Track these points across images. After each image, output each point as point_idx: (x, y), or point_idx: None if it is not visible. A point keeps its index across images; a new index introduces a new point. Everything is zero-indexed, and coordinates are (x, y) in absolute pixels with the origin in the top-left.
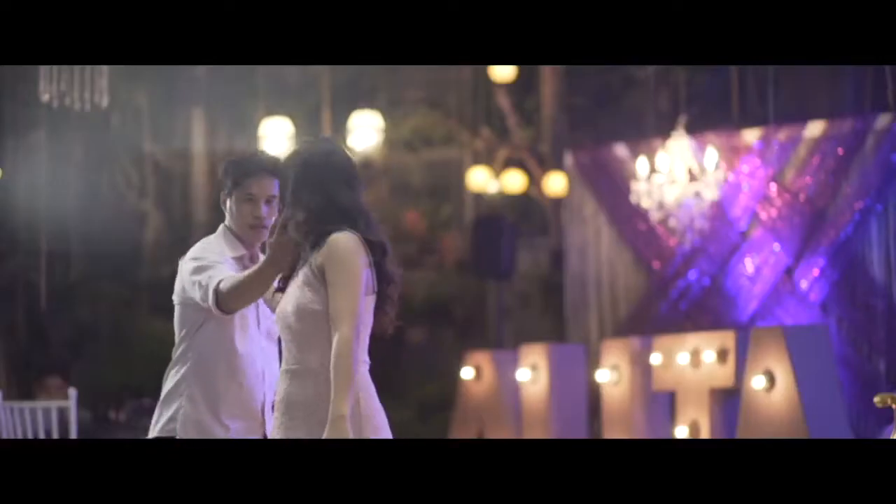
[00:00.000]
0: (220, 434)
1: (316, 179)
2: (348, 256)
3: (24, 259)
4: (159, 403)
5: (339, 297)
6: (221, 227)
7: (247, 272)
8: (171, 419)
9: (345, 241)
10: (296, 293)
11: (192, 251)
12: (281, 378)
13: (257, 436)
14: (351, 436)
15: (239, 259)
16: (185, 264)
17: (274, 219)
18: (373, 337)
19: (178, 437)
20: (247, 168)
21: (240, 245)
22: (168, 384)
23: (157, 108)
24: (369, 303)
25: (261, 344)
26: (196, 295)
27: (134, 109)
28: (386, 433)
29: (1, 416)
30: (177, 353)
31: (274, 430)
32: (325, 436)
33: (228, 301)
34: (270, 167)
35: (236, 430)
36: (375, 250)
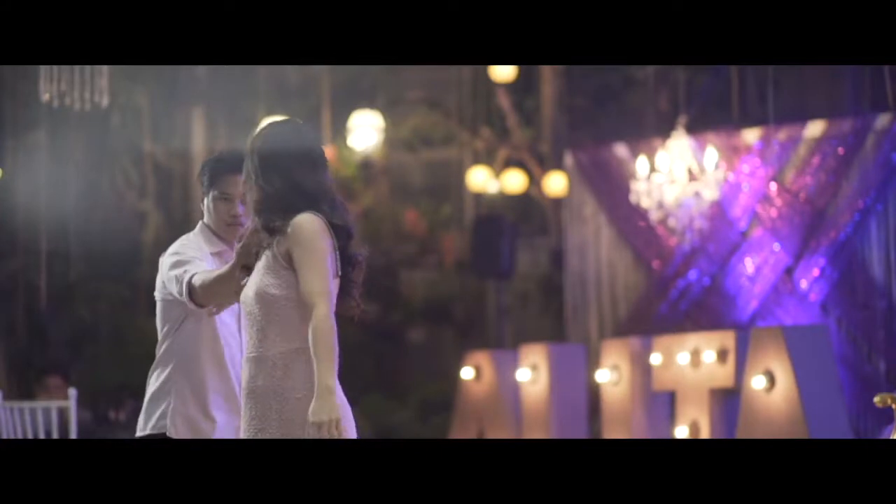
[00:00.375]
0: (207, 428)
1: (279, 162)
2: (313, 237)
3: (24, 259)
4: (147, 401)
5: (311, 277)
6: (200, 223)
7: (217, 271)
8: (162, 416)
9: (309, 222)
10: (256, 279)
11: (172, 247)
12: (245, 366)
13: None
14: (339, 407)
15: (218, 255)
16: (165, 259)
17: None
18: (340, 318)
19: (168, 434)
20: (223, 167)
21: (218, 241)
22: (155, 382)
23: (158, 108)
24: (334, 287)
25: (241, 336)
26: (174, 289)
27: (134, 109)
28: (350, 423)
29: (1, 416)
30: (160, 350)
31: (244, 421)
32: (312, 410)
33: (200, 296)
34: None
35: (221, 422)
36: (340, 234)
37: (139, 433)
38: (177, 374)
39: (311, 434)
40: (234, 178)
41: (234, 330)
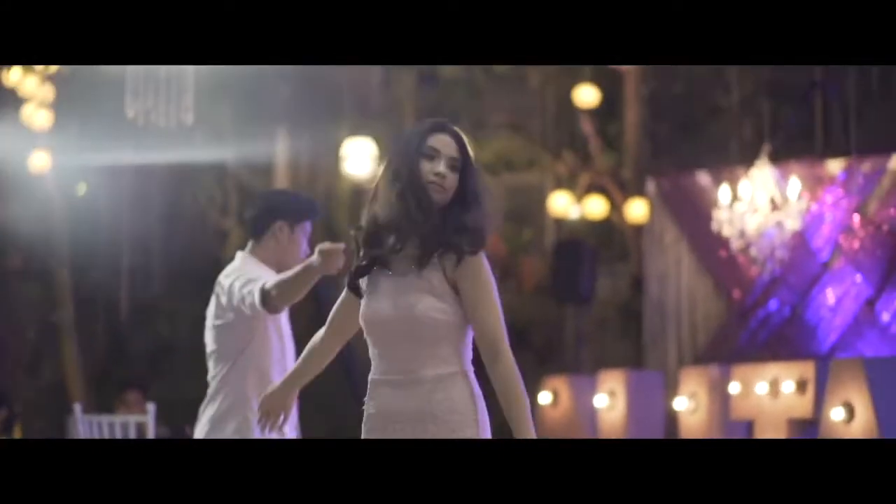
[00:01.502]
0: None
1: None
2: (489, 272)
3: (106, 274)
4: (213, 420)
5: (495, 315)
6: (244, 254)
7: (291, 271)
8: (236, 431)
9: (485, 259)
10: (420, 299)
11: (229, 271)
12: (383, 387)
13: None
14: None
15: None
16: (230, 280)
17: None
18: None
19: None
20: (309, 210)
21: (268, 270)
22: (222, 402)
23: (241, 126)
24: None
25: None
26: (245, 302)
27: (218, 127)
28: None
29: (80, 429)
30: (222, 372)
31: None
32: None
33: (275, 297)
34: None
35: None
36: None
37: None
38: (248, 389)
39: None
40: (309, 223)
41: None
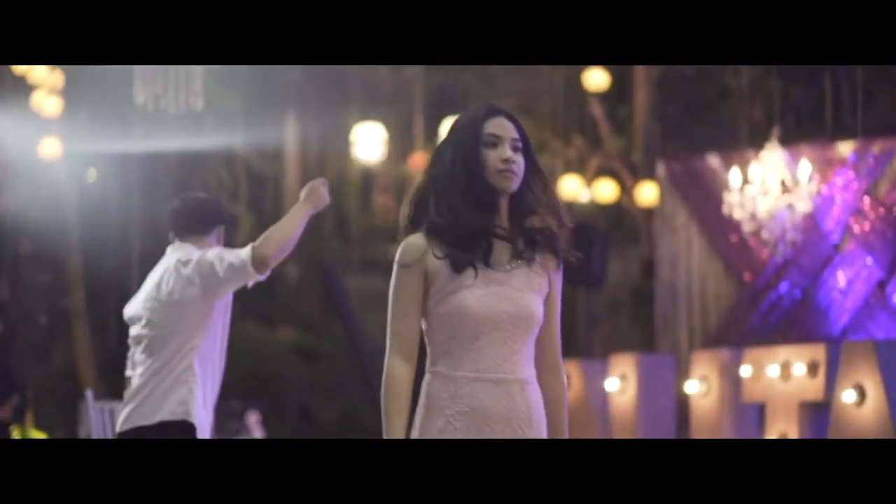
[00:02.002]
0: (207, 418)
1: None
2: None
3: (117, 260)
4: (159, 390)
5: (557, 324)
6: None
7: (280, 221)
8: (181, 402)
9: None
10: (533, 298)
11: (186, 255)
12: (513, 386)
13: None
14: None
15: None
16: (199, 255)
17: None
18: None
19: (189, 419)
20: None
21: None
22: (169, 373)
23: (251, 112)
24: None
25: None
26: (228, 264)
27: (227, 113)
28: None
29: (92, 416)
30: (175, 342)
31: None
32: None
33: (265, 248)
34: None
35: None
36: None
37: (150, 421)
38: (196, 364)
39: None
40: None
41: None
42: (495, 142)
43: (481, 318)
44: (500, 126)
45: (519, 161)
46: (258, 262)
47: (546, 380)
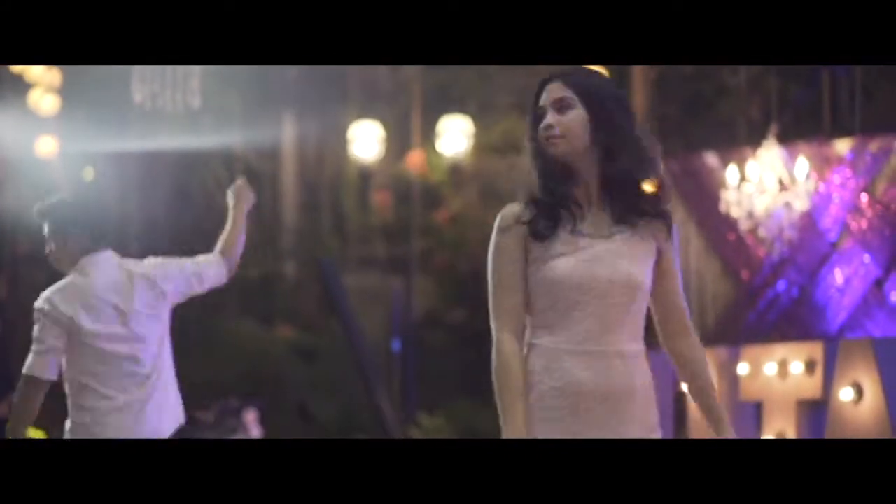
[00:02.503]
0: None
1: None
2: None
3: None
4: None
5: (680, 287)
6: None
7: (226, 228)
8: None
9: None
10: (635, 265)
11: (151, 261)
12: (613, 360)
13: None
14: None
15: None
16: (171, 262)
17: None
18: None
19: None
20: None
21: None
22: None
23: (249, 110)
24: None
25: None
26: (202, 273)
27: (225, 111)
28: None
29: None
30: (162, 353)
31: (595, 427)
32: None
33: (229, 251)
34: None
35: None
36: None
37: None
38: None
39: None
40: None
41: None
42: (542, 113)
43: (578, 285)
44: (545, 95)
45: (562, 122)
46: (232, 265)
47: (677, 347)
